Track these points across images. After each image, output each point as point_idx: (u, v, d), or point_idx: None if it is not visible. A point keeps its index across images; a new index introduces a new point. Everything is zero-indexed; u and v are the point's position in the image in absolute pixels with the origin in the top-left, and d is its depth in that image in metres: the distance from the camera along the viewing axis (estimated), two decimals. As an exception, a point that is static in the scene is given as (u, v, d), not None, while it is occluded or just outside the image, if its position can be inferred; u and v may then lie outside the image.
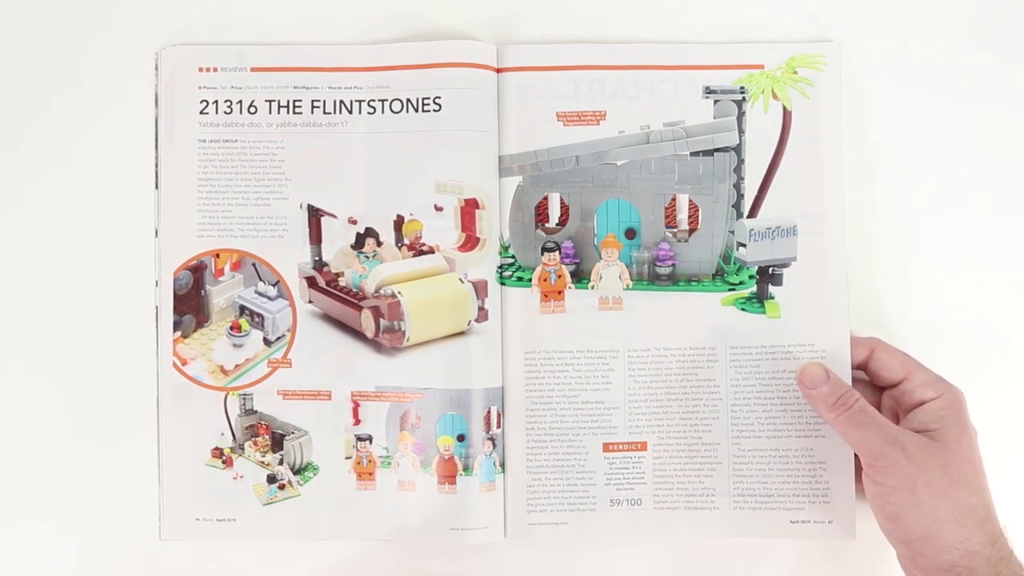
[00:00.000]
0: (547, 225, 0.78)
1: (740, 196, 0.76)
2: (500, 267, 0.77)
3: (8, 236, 0.79)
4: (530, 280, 0.77)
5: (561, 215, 0.78)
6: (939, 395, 0.70)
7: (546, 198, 0.78)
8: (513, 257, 0.77)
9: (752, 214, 0.76)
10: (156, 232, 0.78)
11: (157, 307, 0.78)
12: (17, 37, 0.79)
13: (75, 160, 0.79)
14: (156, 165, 0.78)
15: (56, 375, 0.78)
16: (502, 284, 0.77)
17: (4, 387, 0.79)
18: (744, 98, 0.76)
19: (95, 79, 0.79)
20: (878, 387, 0.74)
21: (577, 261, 0.78)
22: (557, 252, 0.77)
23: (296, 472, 0.78)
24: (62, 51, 0.79)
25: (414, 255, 0.78)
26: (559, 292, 0.77)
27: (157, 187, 0.78)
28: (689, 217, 0.77)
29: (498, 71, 0.77)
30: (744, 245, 0.76)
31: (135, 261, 0.78)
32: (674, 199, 0.77)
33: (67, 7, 0.79)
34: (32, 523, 0.78)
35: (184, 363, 0.78)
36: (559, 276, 0.77)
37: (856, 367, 0.74)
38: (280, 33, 0.79)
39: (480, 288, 0.77)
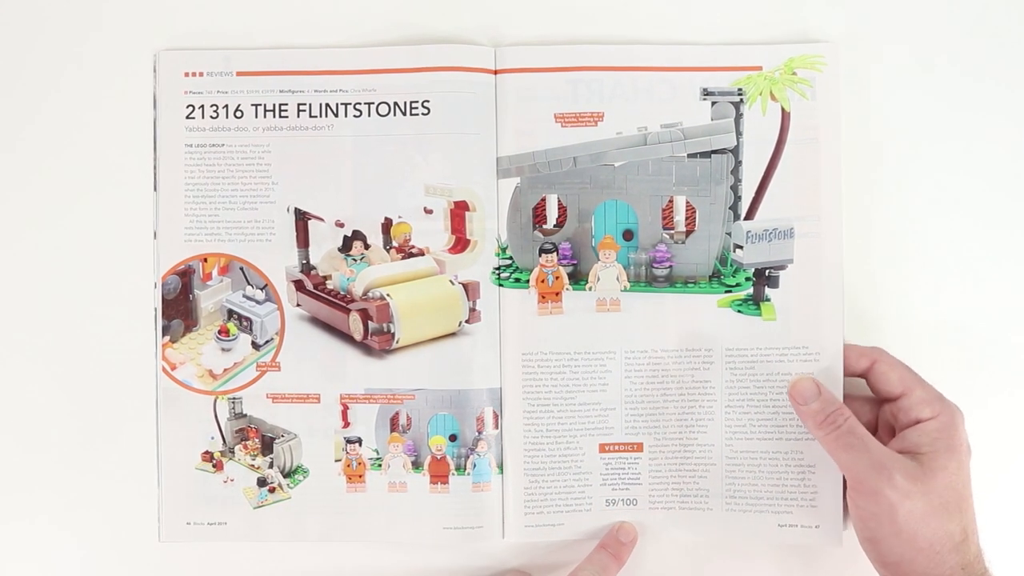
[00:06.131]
0: (545, 226, 0.78)
1: (737, 198, 0.76)
2: (497, 268, 0.77)
3: (5, 239, 0.79)
4: (527, 281, 0.77)
5: (559, 216, 0.77)
6: (935, 415, 0.70)
7: (544, 199, 0.77)
8: (511, 258, 0.77)
9: (749, 216, 0.76)
10: (155, 234, 0.78)
11: (156, 309, 0.78)
12: (6, 42, 0.79)
13: (67, 166, 0.78)
14: (155, 167, 0.78)
15: (56, 377, 0.78)
16: (500, 286, 0.77)
17: (5, 389, 0.78)
18: (742, 100, 0.76)
19: (86, 83, 0.79)
20: (877, 399, 0.75)
21: (575, 262, 0.77)
22: (555, 253, 0.77)
23: (286, 475, 0.77)
24: (53, 56, 0.79)
25: (403, 258, 0.78)
26: (556, 293, 0.77)
27: (155, 189, 0.78)
28: (686, 219, 0.77)
29: (496, 73, 0.77)
30: (741, 247, 0.76)
31: (132, 264, 0.78)
32: (671, 200, 0.77)
33: (57, 11, 0.79)
34: (33, 524, 0.78)
35: (173, 367, 0.78)
36: (557, 277, 0.77)
37: (857, 375, 0.75)
38: (269, 37, 0.78)
39: (471, 289, 0.77)
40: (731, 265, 0.77)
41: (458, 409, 0.77)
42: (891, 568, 0.69)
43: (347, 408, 0.77)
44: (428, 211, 0.77)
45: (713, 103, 0.76)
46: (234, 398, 0.77)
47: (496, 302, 0.77)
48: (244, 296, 0.78)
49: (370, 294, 0.78)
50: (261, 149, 0.77)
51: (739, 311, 0.76)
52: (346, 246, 0.78)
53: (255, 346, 0.78)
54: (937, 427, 0.70)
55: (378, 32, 0.78)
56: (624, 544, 0.76)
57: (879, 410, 0.75)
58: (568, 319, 0.77)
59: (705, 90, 0.76)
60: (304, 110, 0.77)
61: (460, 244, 0.78)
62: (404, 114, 0.77)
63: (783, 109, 0.76)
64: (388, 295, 0.78)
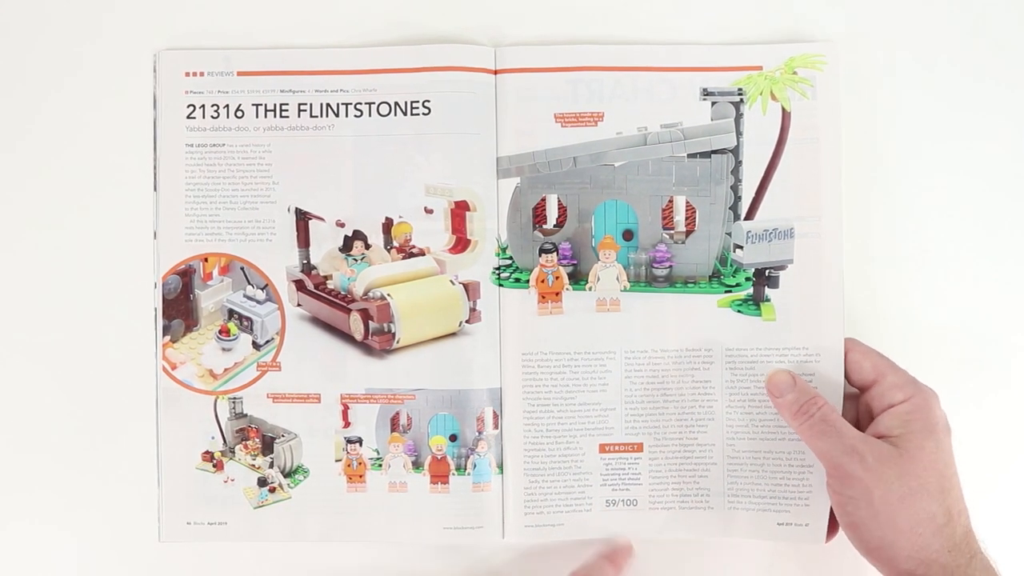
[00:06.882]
0: (545, 226, 0.78)
1: (737, 198, 0.76)
2: (498, 268, 0.77)
3: (5, 239, 0.78)
4: (527, 281, 0.77)
5: (559, 216, 0.77)
6: (907, 398, 0.70)
7: (544, 199, 0.77)
8: (511, 258, 0.77)
9: (749, 216, 0.76)
10: (155, 234, 0.78)
11: (156, 309, 0.78)
12: (6, 42, 0.79)
13: (67, 166, 0.78)
14: (155, 167, 0.78)
15: (56, 377, 0.78)
16: (500, 286, 0.77)
17: (5, 389, 0.78)
18: (742, 100, 0.76)
19: (87, 83, 0.79)
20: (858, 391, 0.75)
21: (575, 262, 0.77)
22: (555, 253, 0.77)
23: (286, 475, 0.77)
24: (53, 56, 0.79)
25: (404, 257, 0.78)
26: (557, 294, 0.77)
27: (156, 189, 0.78)
28: (686, 219, 0.77)
29: (496, 72, 0.77)
30: (741, 247, 0.76)
31: (132, 263, 0.78)
32: (671, 200, 0.77)
33: (58, 11, 0.79)
34: (33, 524, 0.78)
35: (173, 367, 0.77)
36: (557, 277, 0.77)
37: None
38: (270, 37, 0.78)
39: (472, 289, 0.77)
40: (731, 265, 0.77)
41: (458, 409, 0.77)
42: (875, 554, 0.68)
43: (347, 408, 0.77)
44: (428, 211, 0.77)
45: (713, 103, 0.76)
46: (234, 398, 0.77)
47: (496, 302, 0.77)
48: (245, 296, 0.78)
49: (371, 294, 0.78)
50: (262, 149, 0.77)
51: (739, 311, 0.76)
52: (347, 246, 0.78)
53: (255, 346, 0.78)
54: (909, 409, 0.70)
55: (378, 32, 0.78)
56: (620, 552, 0.76)
57: (859, 401, 0.75)
58: (568, 319, 0.77)
59: (705, 90, 0.76)
60: (305, 110, 0.77)
61: (460, 244, 0.78)
62: (404, 114, 0.77)
63: (783, 109, 0.76)
64: (389, 295, 0.78)
